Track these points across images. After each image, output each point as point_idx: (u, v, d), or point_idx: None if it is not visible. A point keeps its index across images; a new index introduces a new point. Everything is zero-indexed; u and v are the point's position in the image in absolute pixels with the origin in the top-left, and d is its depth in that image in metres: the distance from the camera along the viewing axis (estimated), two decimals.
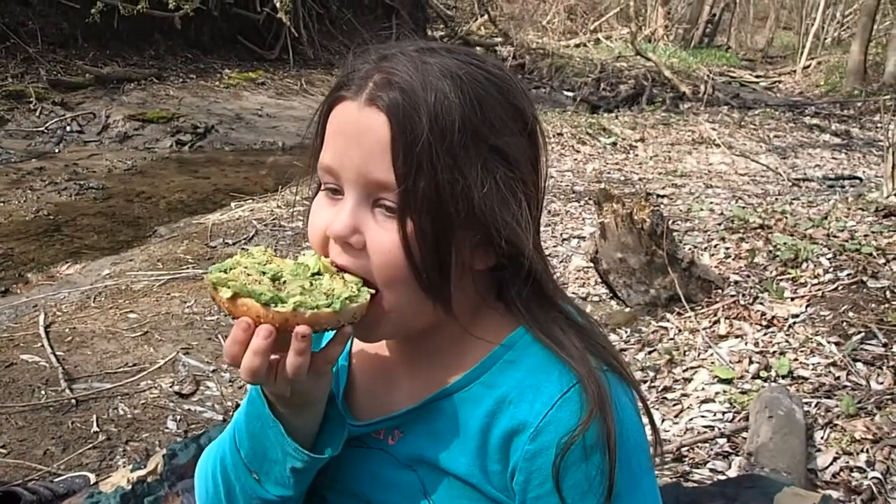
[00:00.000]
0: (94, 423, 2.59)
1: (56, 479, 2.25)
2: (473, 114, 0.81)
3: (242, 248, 0.88)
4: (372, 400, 1.01)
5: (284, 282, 0.86)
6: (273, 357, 0.82)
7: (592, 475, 0.83)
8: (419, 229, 0.81)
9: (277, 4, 11.03)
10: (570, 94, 13.36)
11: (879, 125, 10.16)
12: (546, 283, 0.90)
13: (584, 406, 0.83)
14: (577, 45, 18.54)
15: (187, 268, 4.09)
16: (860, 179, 7.12)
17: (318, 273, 0.88)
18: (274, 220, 4.92)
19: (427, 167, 0.79)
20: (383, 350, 1.02)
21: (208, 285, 0.85)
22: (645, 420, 0.94)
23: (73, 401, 2.71)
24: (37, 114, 8.06)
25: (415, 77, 0.81)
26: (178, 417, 2.67)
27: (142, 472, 2.23)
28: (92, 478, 2.27)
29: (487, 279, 0.90)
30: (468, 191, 0.81)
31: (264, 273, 0.87)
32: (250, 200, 5.63)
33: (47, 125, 7.90)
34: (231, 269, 0.88)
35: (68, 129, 8.00)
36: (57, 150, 7.52)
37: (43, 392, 2.77)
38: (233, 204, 5.58)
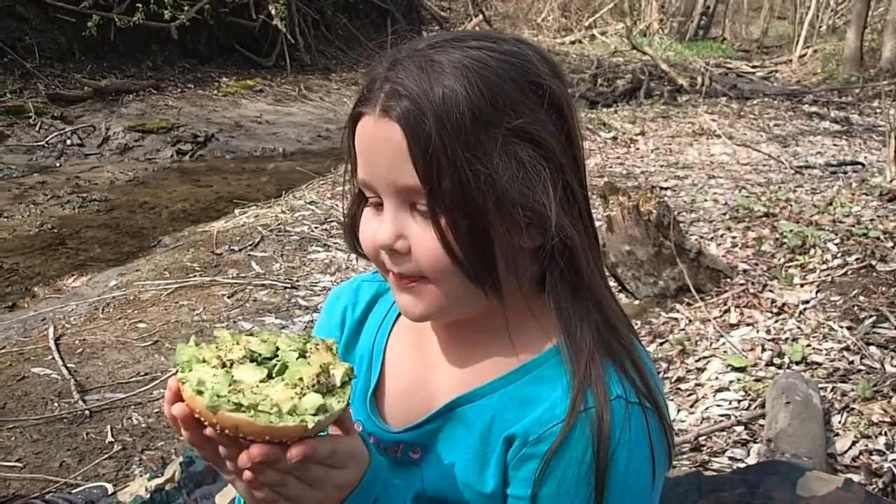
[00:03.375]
0: (109, 434, 2.59)
1: (74, 491, 2.25)
2: (483, 101, 0.81)
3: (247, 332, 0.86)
4: (402, 399, 1.00)
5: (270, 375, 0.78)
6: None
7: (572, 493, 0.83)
8: (452, 224, 0.82)
9: (273, 11, 11.04)
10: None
11: (879, 110, 10.15)
12: (583, 265, 0.87)
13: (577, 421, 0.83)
14: (573, 42, 18.54)
15: (194, 276, 4.08)
16: (862, 165, 7.11)
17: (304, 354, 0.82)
18: (279, 225, 4.92)
19: (446, 164, 0.80)
20: (421, 344, 1.01)
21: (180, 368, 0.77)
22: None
23: (87, 412, 2.71)
24: (37, 128, 8.06)
25: (420, 79, 0.82)
26: None
27: (159, 481, 2.23)
28: (109, 488, 2.27)
29: (536, 264, 0.89)
30: (492, 178, 0.81)
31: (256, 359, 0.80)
32: (254, 207, 5.62)
33: (48, 139, 7.90)
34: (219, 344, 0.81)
35: (69, 142, 7.99)
36: (58, 164, 7.51)
37: (56, 404, 2.76)
38: (237, 211, 5.57)
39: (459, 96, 0.80)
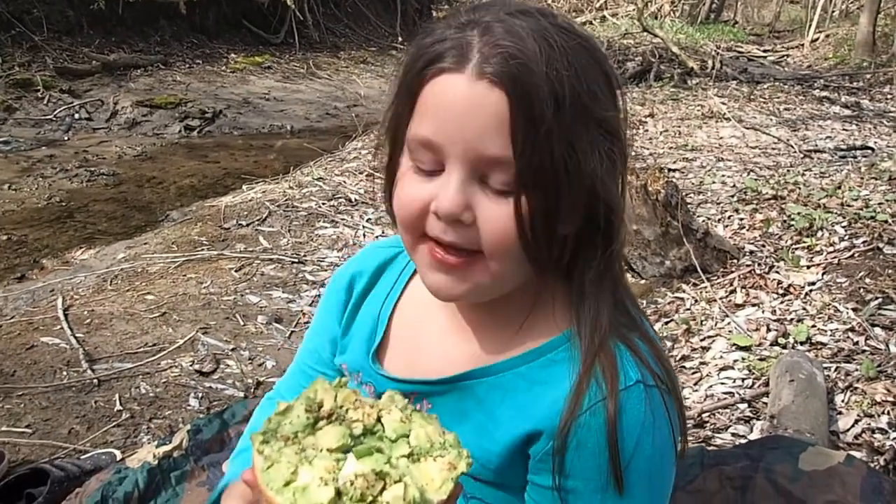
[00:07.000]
0: (117, 402, 2.61)
1: (83, 457, 2.27)
2: (580, 85, 0.79)
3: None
4: (407, 357, 1.01)
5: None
6: None
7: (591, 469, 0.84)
8: (534, 204, 0.80)
9: None
10: None
11: (890, 96, 10.06)
12: (618, 254, 0.89)
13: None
14: (584, 24, 18.39)
15: (202, 249, 4.10)
16: (872, 149, 7.05)
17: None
18: (286, 200, 4.92)
19: (545, 142, 0.77)
20: (432, 312, 1.00)
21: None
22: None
23: (95, 381, 2.74)
24: (44, 102, 8.06)
25: (522, 47, 0.78)
26: (200, 395, 2.69)
27: (167, 448, 2.25)
28: (118, 454, 2.29)
29: (571, 246, 0.89)
30: (578, 164, 0.80)
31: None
32: (261, 182, 5.63)
33: (55, 113, 7.91)
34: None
35: (77, 116, 8.00)
36: (66, 138, 7.52)
37: (65, 373, 2.79)
38: (244, 186, 5.57)
39: (563, 74, 0.77)
